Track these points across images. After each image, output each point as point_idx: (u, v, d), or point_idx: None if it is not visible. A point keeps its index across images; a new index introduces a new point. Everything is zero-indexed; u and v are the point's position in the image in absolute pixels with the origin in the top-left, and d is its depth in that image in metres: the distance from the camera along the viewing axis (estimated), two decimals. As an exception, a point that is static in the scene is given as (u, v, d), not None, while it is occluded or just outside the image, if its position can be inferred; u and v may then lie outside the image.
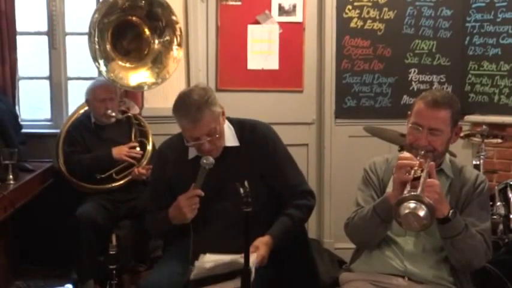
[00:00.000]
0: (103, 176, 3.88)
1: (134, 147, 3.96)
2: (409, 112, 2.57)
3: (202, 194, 2.59)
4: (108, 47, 3.88)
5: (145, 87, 4.06)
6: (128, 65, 4.00)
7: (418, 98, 2.53)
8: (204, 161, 2.55)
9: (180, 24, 4.02)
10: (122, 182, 3.90)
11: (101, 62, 3.83)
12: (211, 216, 2.70)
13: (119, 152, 3.89)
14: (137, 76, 4.00)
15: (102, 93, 3.94)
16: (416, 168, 2.28)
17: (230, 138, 2.75)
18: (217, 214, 2.70)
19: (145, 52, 4.03)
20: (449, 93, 2.55)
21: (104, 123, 3.99)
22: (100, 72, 3.91)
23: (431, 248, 2.47)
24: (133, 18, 3.98)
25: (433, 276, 2.44)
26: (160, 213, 2.73)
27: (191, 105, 2.57)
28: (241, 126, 2.81)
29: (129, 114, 4.09)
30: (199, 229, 2.67)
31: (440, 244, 2.44)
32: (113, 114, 3.95)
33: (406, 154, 2.38)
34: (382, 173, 2.61)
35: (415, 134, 2.46)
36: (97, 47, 3.78)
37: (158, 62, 4.02)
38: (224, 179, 2.66)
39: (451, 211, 2.29)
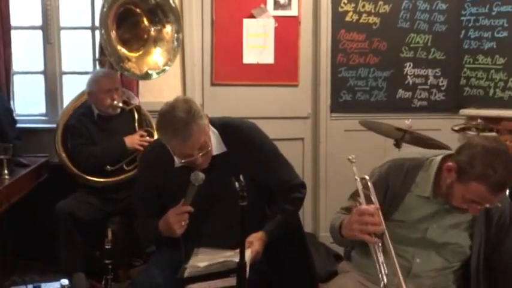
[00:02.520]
0: (113, 168, 3.86)
1: (144, 136, 3.93)
2: (451, 164, 2.23)
3: (192, 210, 2.53)
4: (113, 37, 3.85)
5: (154, 75, 4.03)
6: (134, 53, 3.99)
7: (473, 175, 2.13)
8: (194, 177, 2.47)
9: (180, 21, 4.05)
10: (132, 173, 3.87)
11: (111, 53, 3.80)
12: (202, 228, 2.68)
13: (132, 141, 3.86)
14: (146, 63, 4.00)
15: (107, 83, 3.86)
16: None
17: (216, 146, 2.67)
18: (208, 227, 2.68)
19: (145, 37, 4.04)
20: (509, 163, 2.14)
21: (108, 114, 3.94)
22: (111, 65, 3.89)
23: (439, 268, 2.40)
24: (137, 9, 3.99)
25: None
26: (151, 222, 2.69)
27: (178, 123, 2.46)
28: (225, 129, 2.73)
29: (135, 104, 4.05)
30: (190, 240, 2.65)
31: (452, 267, 2.40)
32: (120, 104, 3.91)
33: (370, 209, 2.22)
34: (396, 191, 2.39)
35: (469, 206, 2.22)
36: (105, 38, 3.76)
37: (160, 42, 4.02)
38: (214, 189, 2.61)
39: None
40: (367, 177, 2.30)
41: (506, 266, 2.37)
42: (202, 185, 2.51)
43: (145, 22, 4.01)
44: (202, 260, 2.47)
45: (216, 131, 2.69)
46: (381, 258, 2.19)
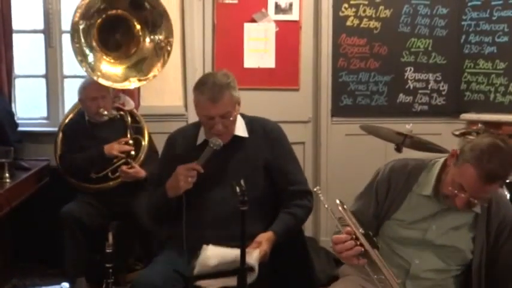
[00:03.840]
0: (98, 175, 3.86)
1: (125, 143, 3.90)
2: (455, 150, 2.27)
3: (202, 170, 2.62)
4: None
5: (132, 85, 4.02)
6: (112, 60, 3.98)
7: (469, 157, 2.16)
8: (212, 141, 2.63)
9: (172, 23, 4.00)
10: (117, 180, 3.86)
11: (87, 61, 3.81)
12: (209, 202, 2.72)
13: (110, 148, 3.84)
14: (126, 73, 3.99)
15: (93, 91, 3.88)
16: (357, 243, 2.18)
17: (240, 128, 2.81)
18: (215, 201, 2.72)
19: (133, 51, 4.02)
20: (508, 158, 2.15)
21: (97, 121, 3.95)
22: (87, 73, 3.88)
23: (439, 269, 2.39)
24: (118, 11, 3.95)
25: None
26: (158, 188, 2.77)
27: (213, 83, 2.65)
28: (252, 121, 2.88)
29: (122, 112, 4.02)
30: (194, 212, 2.69)
31: (451, 271, 2.40)
32: (105, 112, 3.88)
33: (341, 237, 2.21)
34: (398, 190, 2.40)
35: (456, 193, 2.20)
36: (78, 45, 3.76)
37: (140, 65, 4.00)
38: (229, 167, 2.73)
39: None
40: (338, 201, 2.33)
41: (501, 274, 2.37)
42: (218, 160, 2.67)
43: (137, 27, 4.00)
44: (212, 258, 2.48)
45: (242, 120, 2.85)
46: (375, 276, 2.21)
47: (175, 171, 2.66)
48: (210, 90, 2.64)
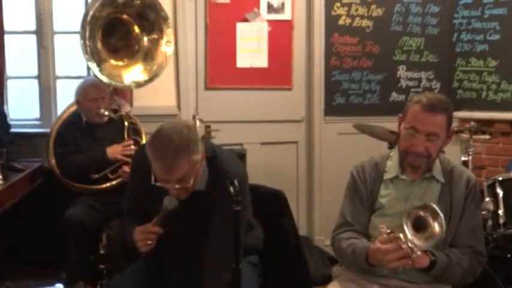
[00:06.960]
0: (98, 176, 3.85)
1: (128, 146, 3.91)
2: (400, 114, 2.51)
3: (161, 231, 2.45)
4: (99, 45, 3.85)
5: (138, 85, 4.03)
6: (119, 63, 3.98)
7: (412, 101, 2.45)
8: (167, 202, 2.41)
9: (170, 22, 4.00)
10: (116, 181, 3.86)
11: (93, 61, 3.79)
12: (172, 263, 2.62)
13: (113, 151, 3.83)
14: (130, 74, 3.98)
15: (93, 92, 3.87)
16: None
17: (201, 183, 2.52)
18: (178, 262, 2.60)
19: (136, 48, 4.03)
20: (443, 97, 2.46)
21: (95, 123, 3.95)
22: (92, 72, 3.88)
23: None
24: (124, 16, 3.96)
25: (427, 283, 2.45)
26: (129, 228, 2.58)
27: (169, 149, 2.29)
28: (214, 168, 2.54)
29: (123, 113, 4.03)
30: (156, 271, 2.64)
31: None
32: (106, 113, 3.89)
33: (387, 246, 2.26)
34: (372, 182, 2.55)
35: (411, 139, 2.41)
36: (88, 45, 3.74)
37: (149, 58, 4.01)
38: (187, 223, 2.52)
39: (431, 258, 2.32)
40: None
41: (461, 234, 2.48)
42: (177, 215, 2.45)
43: (137, 30, 4.01)
44: None
45: (206, 170, 2.53)
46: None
47: (135, 233, 2.48)
48: (164, 157, 2.30)
